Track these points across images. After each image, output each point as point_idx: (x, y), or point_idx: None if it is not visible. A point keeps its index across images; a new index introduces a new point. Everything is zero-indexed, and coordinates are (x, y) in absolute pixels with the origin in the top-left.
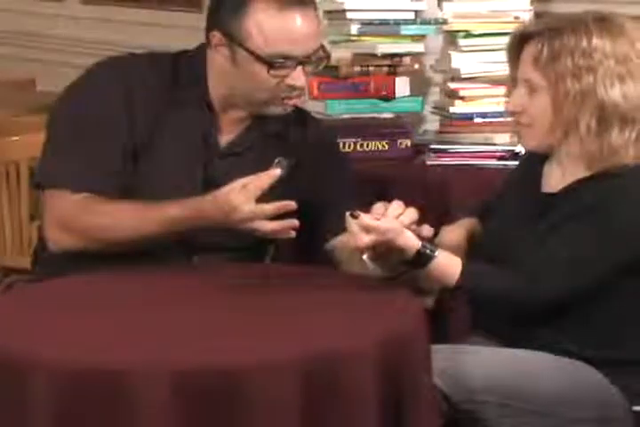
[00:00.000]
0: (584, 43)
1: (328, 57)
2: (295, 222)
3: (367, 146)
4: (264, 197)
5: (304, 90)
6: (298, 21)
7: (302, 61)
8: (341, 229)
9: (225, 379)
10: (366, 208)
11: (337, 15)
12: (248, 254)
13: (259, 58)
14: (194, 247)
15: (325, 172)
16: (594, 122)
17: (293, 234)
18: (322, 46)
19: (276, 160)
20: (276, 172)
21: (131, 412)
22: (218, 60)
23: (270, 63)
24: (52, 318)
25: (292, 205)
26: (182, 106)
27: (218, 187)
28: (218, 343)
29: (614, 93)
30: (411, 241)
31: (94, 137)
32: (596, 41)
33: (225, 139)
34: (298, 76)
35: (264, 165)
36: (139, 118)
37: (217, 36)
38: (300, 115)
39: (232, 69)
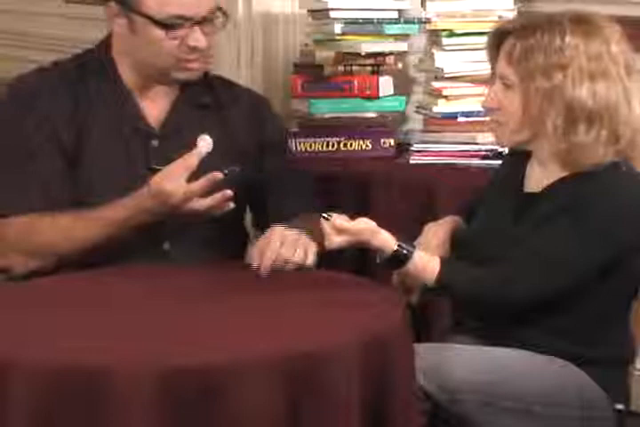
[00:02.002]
0: (557, 40)
1: (226, 16)
2: (227, 193)
3: (350, 145)
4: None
5: (207, 51)
6: None
7: (199, 21)
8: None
9: (206, 379)
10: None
11: (320, 14)
12: (222, 243)
13: (154, 21)
14: (164, 234)
15: (264, 141)
16: (560, 121)
17: (231, 205)
18: (216, 6)
19: (199, 137)
20: (200, 150)
21: (112, 411)
22: (118, 32)
23: (166, 25)
24: (33, 318)
25: (217, 175)
26: (100, 101)
27: None
28: (199, 343)
29: (582, 92)
30: (387, 242)
31: (23, 161)
32: (569, 39)
33: (155, 120)
34: (197, 37)
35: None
36: (63, 131)
37: (112, 6)
38: (226, 83)
39: (132, 38)
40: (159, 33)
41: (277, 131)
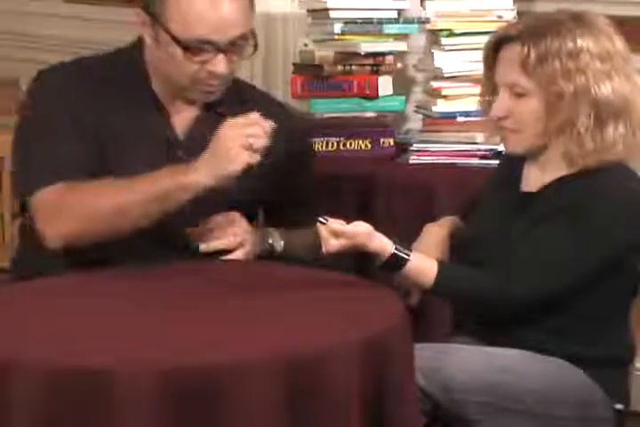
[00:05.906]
0: (569, 44)
1: (255, 46)
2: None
3: (350, 145)
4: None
5: (226, 78)
6: (219, 6)
7: (223, 49)
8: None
9: (207, 379)
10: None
11: (320, 14)
12: None
13: (176, 41)
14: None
15: (294, 167)
16: (591, 120)
17: None
18: (245, 34)
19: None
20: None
21: (114, 412)
22: (145, 40)
23: (187, 47)
24: (34, 318)
25: None
26: (127, 102)
27: None
28: (200, 343)
29: (605, 90)
30: (384, 245)
31: (56, 137)
32: (580, 42)
33: (182, 129)
34: (217, 63)
35: None
36: (89, 128)
37: (141, 15)
38: (259, 94)
39: (156, 50)
40: (180, 54)
41: (304, 148)
